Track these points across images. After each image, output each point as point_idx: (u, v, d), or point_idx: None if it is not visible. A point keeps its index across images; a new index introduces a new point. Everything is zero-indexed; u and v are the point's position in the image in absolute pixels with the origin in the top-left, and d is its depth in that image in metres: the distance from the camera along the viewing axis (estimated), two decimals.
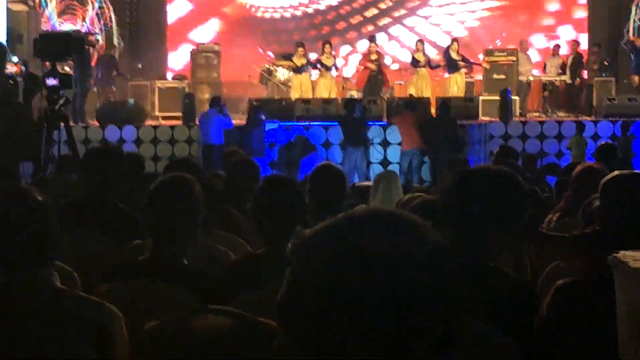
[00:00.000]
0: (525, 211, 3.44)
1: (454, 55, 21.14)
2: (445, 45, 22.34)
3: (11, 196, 3.41)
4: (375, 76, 21.04)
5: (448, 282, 1.68)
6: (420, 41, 21.86)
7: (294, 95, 20.84)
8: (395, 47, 24.76)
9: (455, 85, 21.16)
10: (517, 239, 3.45)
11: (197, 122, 18.48)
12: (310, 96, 20.77)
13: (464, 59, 21.42)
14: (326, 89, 20.86)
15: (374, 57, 21.15)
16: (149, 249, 4.14)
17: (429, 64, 21.46)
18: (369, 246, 1.62)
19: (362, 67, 21.35)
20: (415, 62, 21.20)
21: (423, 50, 21.39)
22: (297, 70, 21.13)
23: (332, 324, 1.60)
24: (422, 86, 20.95)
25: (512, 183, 3.42)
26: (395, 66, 24.38)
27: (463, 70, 21.50)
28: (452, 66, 21.29)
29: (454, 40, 21.65)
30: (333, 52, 21.36)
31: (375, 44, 21.70)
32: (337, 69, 21.36)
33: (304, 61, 21.12)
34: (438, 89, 21.38)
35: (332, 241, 1.66)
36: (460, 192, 3.42)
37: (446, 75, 21.60)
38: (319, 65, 21.19)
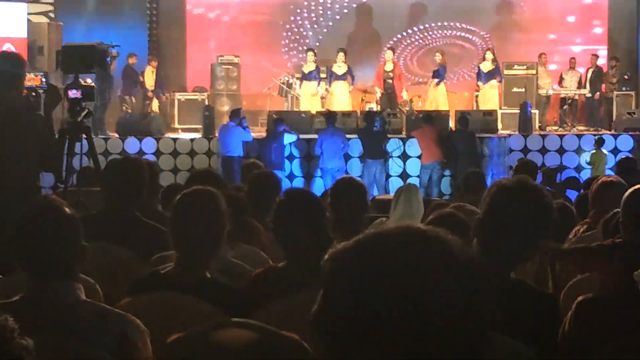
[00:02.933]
0: (551, 225, 3.44)
1: (487, 65, 21.05)
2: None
3: (41, 208, 3.43)
4: (390, 87, 20.94)
5: (477, 297, 1.69)
6: (439, 50, 21.76)
7: (304, 105, 20.75)
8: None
9: (487, 97, 21.04)
10: (542, 252, 3.45)
11: (216, 134, 18.50)
12: (319, 106, 20.71)
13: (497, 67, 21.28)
14: (339, 100, 20.65)
15: (389, 67, 21.03)
16: (174, 261, 4.15)
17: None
18: (398, 262, 1.63)
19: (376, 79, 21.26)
20: (437, 75, 21.13)
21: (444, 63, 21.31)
22: (305, 77, 21.00)
23: (361, 339, 1.61)
24: (438, 99, 20.87)
25: (541, 197, 3.42)
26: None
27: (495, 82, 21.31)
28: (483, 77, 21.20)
29: (488, 49, 21.54)
30: (344, 60, 20.84)
31: (393, 52, 21.54)
32: (352, 77, 21.10)
33: (312, 68, 20.98)
34: (457, 102, 21.32)
35: (363, 257, 1.67)
36: (492, 205, 3.42)
37: (480, 84, 21.42)
38: (329, 76, 21.03)
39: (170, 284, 3.99)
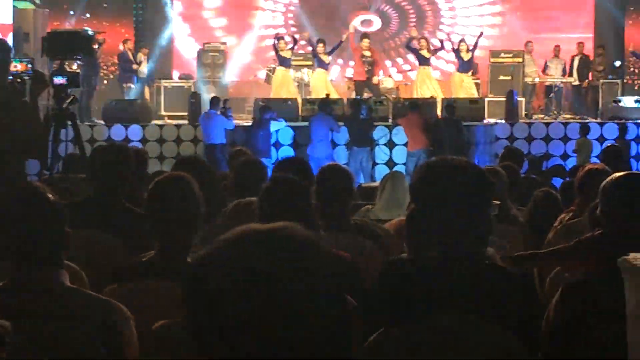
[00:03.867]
0: (489, 191, 3.42)
1: (463, 55, 21.07)
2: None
3: (23, 195, 3.42)
4: (369, 73, 20.96)
5: (338, 295, 1.73)
6: (425, 39, 21.76)
7: (276, 90, 20.78)
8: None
9: (463, 85, 21.06)
10: (488, 229, 3.42)
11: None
12: (294, 92, 20.78)
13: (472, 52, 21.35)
14: (322, 87, 20.67)
15: (367, 53, 21.04)
16: (155, 248, 4.16)
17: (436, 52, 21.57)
18: (262, 266, 1.66)
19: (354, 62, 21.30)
20: (422, 59, 21.15)
21: (428, 47, 21.28)
22: (283, 62, 21.00)
23: (233, 340, 1.65)
24: (428, 84, 20.90)
25: (473, 171, 3.40)
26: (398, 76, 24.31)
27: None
28: (463, 67, 21.23)
29: (462, 40, 21.56)
30: (324, 50, 20.99)
31: (369, 39, 21.54)
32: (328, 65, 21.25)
33: (288, 54, 21.03)
34: (444, 89, 21.35)
35: (228, 261, 1.69)
36: (422, 187, 3.41)
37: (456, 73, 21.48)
38: (315, 61, 21.14)
39: (152, 270, 3.98)
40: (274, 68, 21.45)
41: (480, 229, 3.36)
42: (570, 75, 22.06)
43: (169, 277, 3.87)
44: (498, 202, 6.52)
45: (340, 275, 1.76)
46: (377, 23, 25.05)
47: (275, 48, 20.94)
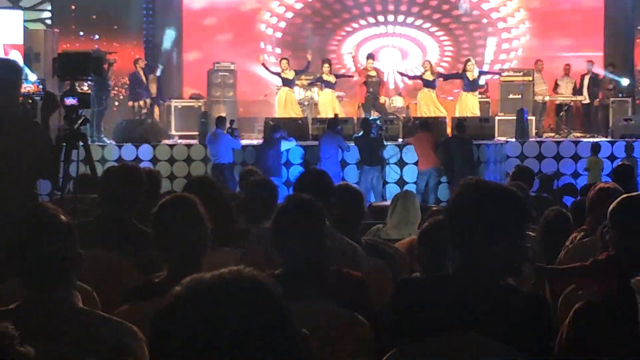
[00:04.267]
0: (522, 223, 3.42)
1: (469, 76, 21.06)
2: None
3: (35, 216, 3.42)
4: (374, 94, 20.99)
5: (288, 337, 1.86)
6: (428, 61, 21.76)
7: (279, 111, 20.85)
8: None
9: (470, 105, 21.04)
10: (520, 256, 3.41)
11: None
12: (298, 112, 20.90)
13: (480, 73, 21.34)
14: (330, 106, 20.76)
15: (372, 73, 21.09)
16: (165, 270, 4.17)
17: (441, 77, 21.57)
18: (213, 315, 1.82)
19: (362, 81, 21.32)
20: (426, 82, 21.16)
21: (431, 70, 21.28)
22: (287, 83, 21.09)
23: None
24: (430, 104, 20.90)
25: (508, 195, 3.40)
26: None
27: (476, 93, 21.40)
28: (468, 86, 21.21)
29: (469, 60, 21.52)
30: (329, 70, 21.18)
31: (373, 60, 21.59)
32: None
33: (291, 75, 21.11)
34: (449, 109, 21.35)
35: (183, 315, 1.85)
36: (457, 208, 3.41)
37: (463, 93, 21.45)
38: (321, 83, 21.23)
39: (164, 291, 3.97)
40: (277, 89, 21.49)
41: (509, 252, 3.35)
42: (580, 93, 22.05)
43: None
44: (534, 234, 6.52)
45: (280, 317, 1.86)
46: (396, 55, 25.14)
47: (266, 67, 21.20)
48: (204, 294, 1.84)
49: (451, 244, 3.42)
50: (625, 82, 22.30)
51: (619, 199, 4.34)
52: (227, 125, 18.32)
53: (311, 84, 21.82)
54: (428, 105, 20.90)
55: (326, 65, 21.16)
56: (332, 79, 21.08)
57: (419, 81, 21.50)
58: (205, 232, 4.16)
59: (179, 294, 1.88)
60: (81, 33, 23.41)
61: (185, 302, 1.84)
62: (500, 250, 3.31)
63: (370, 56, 21.62)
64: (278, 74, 21.07)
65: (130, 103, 21.51)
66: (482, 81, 21.64)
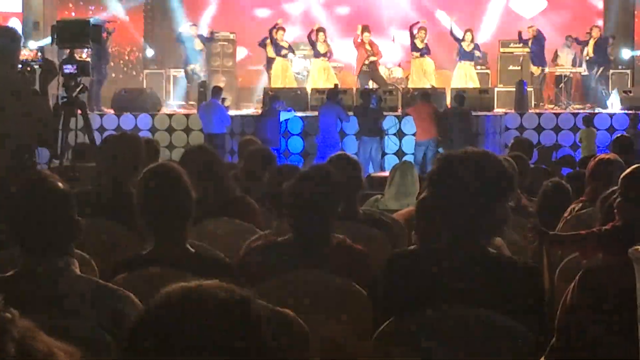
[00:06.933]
0: (508, 191, 3.41)
1: (465, 46, 20.98)
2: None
3: (34, 184, 3.42)
4: (371, 65, 20.92)
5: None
6: (423, 29, 21.42)
7: (274, 81, 20.76)
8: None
9: (466, 76, 20.98)
10: (503, 220, 3.41)
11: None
12: (293, 82, 20.84)
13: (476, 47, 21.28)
14: (324, 76, 20.68)
15: (368, 47, 20.96)
16: (152, 241, 4.14)
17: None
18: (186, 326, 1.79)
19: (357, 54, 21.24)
20: (415, 48, 21.10)
21: (423, 38, 21.14)
22: (281, 52, 21.02)
23: None
24: (423, 75, 20.84)
25: (492, 162, 3.39)
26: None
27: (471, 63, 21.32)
28: (464, 56, 21.14)
29: (468, 30, 21.41)
30: (324, 39, 20.98)
31: (369, 33, 21.33)
32: (331, 55, 21.18)
33: (286, 44, 21.04)
34: (442, 78, 21.30)
35: (156, 325, 1.82)
36: (440, 177, 3.40)
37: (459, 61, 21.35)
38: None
39: (153, 261, 3.95)
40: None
41: (494, 219, 3.35)
42: (580, 65, 21.95)
43: (171, 266, 3.84)
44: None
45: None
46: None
47: (272, 38, 20.97)
48: (178, 306, 1.82)
49: (437, 215, 3.43)
50: (626, 54, 22.22)
51: (631, 168, 4.34)
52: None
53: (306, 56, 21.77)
54: (419, 75, 20.86)
55: (321, 33, 21.00)
56: (322, 48, 20.87)
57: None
58: (189, 202, 4.09)
59: (154, 304, 1.85)
60: (81, 3, 23.34)
61: (158, 313, 1.83)
62: (485, 218, 3.32)
63: (366, 28, 21.49)
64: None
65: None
66: (478, 54, 21.50)
